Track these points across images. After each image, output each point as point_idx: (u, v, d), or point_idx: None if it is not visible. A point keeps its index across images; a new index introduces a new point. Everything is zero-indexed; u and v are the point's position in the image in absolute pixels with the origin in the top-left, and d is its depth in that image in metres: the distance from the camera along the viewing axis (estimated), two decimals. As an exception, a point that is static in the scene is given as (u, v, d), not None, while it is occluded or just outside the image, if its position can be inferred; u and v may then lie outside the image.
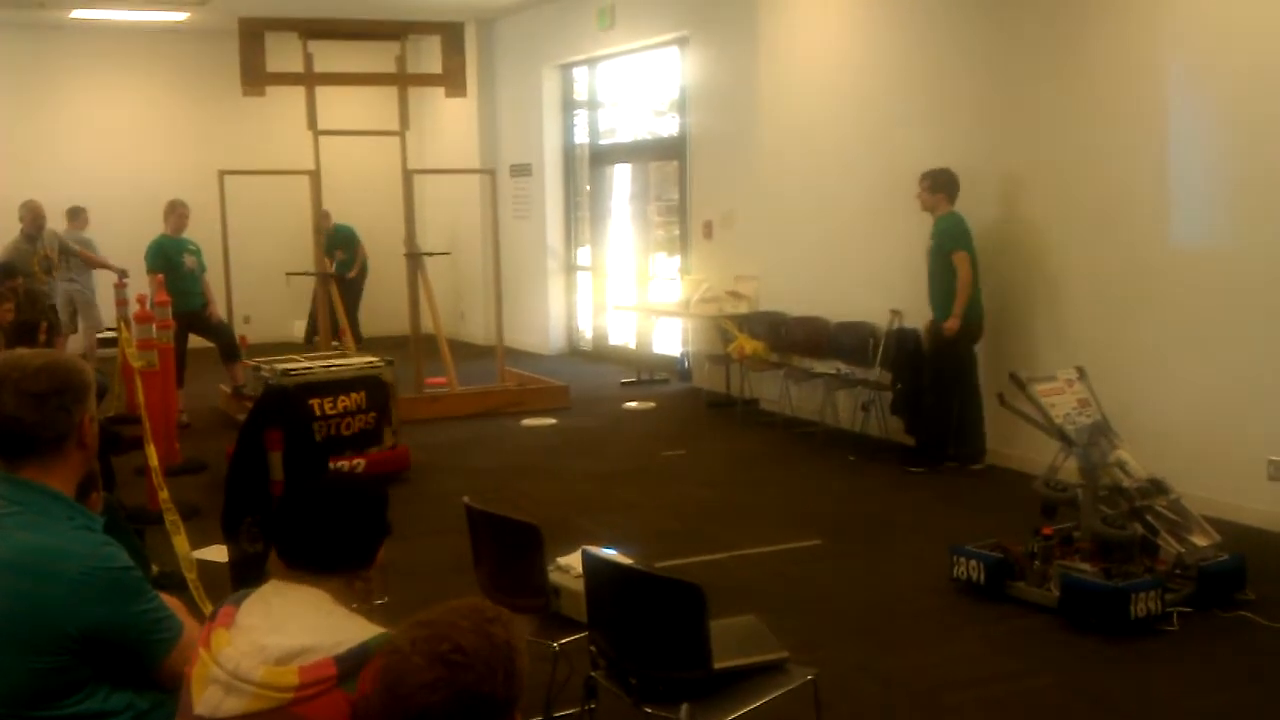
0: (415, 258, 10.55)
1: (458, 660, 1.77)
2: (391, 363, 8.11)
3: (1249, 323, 6.56)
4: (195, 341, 10.19)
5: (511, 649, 1.82)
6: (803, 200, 9.88)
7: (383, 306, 14.03)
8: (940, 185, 8.01)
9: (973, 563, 5.51)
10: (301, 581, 2.35)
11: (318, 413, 7.59)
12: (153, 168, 14.27)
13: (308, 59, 9.97)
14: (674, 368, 12.17)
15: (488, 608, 1.87)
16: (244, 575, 4.70)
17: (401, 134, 10.30)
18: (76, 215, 11.68)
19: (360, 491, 2.51)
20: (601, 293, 13.70)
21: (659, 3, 11.82)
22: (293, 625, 2.25)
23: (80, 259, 11.15)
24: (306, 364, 8.17)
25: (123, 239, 11.47)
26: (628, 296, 12.86)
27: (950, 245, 7.90)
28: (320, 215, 10.54)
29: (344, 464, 7.60)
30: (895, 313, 8.46)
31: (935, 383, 8.05)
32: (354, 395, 7.80)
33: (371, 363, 8.05)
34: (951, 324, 7.87)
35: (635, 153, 13.64)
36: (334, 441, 7.62)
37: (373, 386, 7.86)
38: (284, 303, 14.52)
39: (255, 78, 9.70)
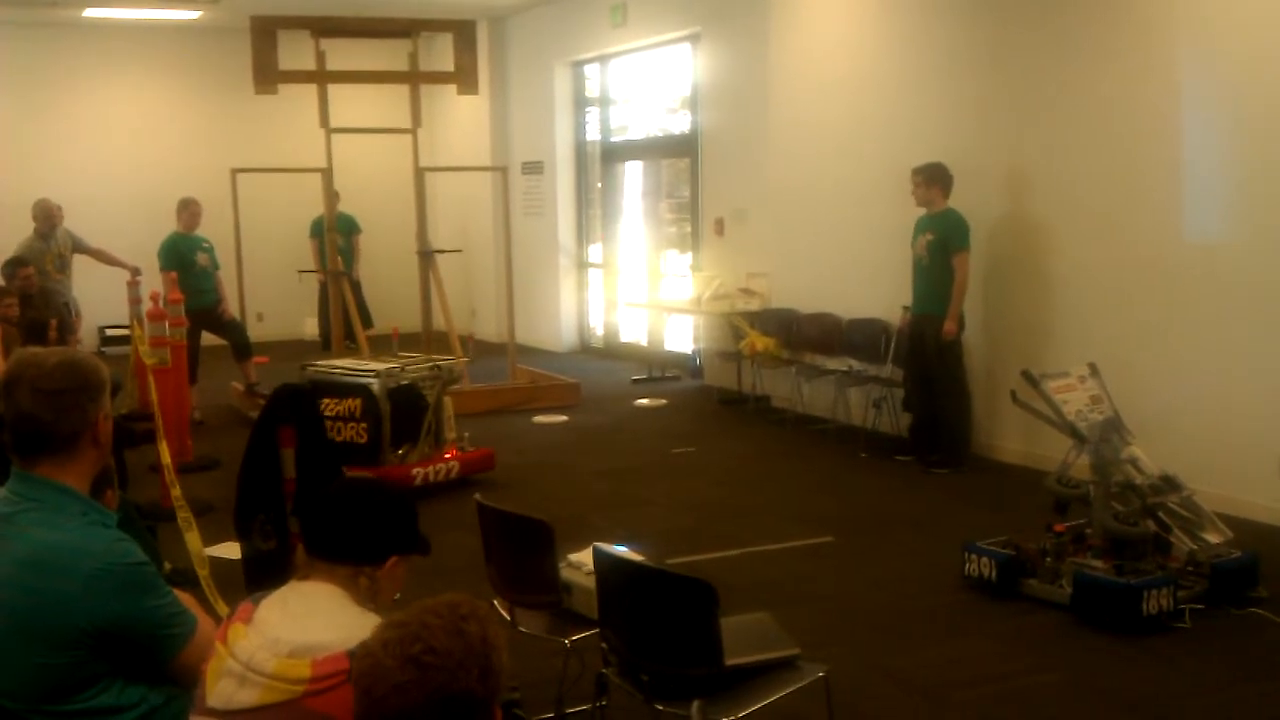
0: (427, 255, 10.57)
1: (430, 661, 1.74)
2: (394, 371, 7.56)
3: (1262, 319, 6.54)
4: (208, 339, 10.23)
5: (488, 645, 1.79)
6: (814, 197, 9.87)
7: (394, 304, 14.04)
8: (935, 179, 8.01)
9: (985, 560, 5.50)
10: (317, 570, 2.37)
11: (327, 413, 7.35)
12: (165, 166, 14.30)
13: (320, 57, 9.98)
14: (685, 365, 12.17)
15: (463, 604, 1.84)
16: (256, 572, 4.72)
17: (413, 131, 10.31)
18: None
19: (384, 492, 2.54)
20: (613, 290, 13.69)
21: (671, 0, 11.81)
22: (308, 621, 2.27)
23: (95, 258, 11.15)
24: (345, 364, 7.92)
25: (135, 237, 11.49)
26: (639, 293, 12.86)
27: (958, 244, 7.89)
28: (332, 206, 10.54)
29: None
30: (907, 309, 8.44)
31: (949, 381, 8.04)
32: (348, 401, 7.46)
33: (375, 369, 7.57)
34: (950, 326, 7.87)
35: (647, 150, 13.63)
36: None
37: (367, 396, 7.43)
38: (296, 300, 14.55)
39: (267, 76, 9.72)
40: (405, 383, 7.62)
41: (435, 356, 8.39)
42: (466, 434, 8.06)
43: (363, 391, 7.47)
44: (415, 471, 7.48)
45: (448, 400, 7.96)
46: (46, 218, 10.26)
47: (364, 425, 7.40)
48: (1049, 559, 5.40)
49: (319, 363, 8.01)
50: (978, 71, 8.24)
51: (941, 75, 8.55)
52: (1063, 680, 4.62)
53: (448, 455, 7.76)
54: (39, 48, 14.30)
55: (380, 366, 7.70)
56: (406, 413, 7.57)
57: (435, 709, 1.73)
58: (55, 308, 9.38)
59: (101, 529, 2.56)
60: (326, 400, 7.47)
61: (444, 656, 1.75)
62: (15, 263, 9.11)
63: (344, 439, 7.40)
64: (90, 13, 13.39)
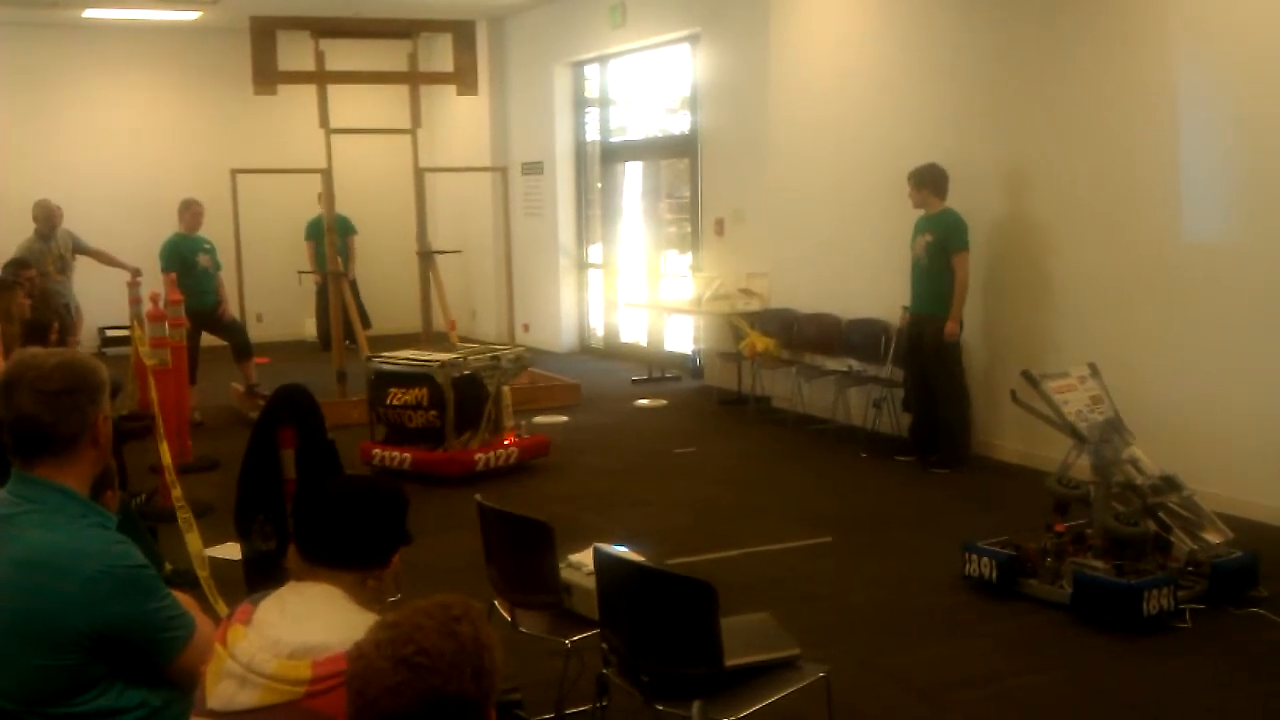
0: (427, 256, 10.57)
1: (422, 662, 1.73)
2: (457, 362, 7.97)
3: (1262, 319, 6.54)
4: (207, 340, 10.23)
5: (480, 646, 1.79)
6: (814, 197, 9.87)
7: (394, 305, 14.05)
8: (926, 181, 8.02)
9: (985, 560, 5.50)
10: (317, 577, 2.36)
11: (395, 402, 7.96)
12: (165, 166, 14.30)
13: (319, 57, 9.98)
14: (685, 365, 12.17)
15: (455, 605, 1.83)
16: (257, 573, 4.72)
17: (413, 132, 10.31)
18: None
19: (382, 493, 2.52)
20: (613, 290, 13.69)
21: (670, 0, 11.81)
22: (308, 621, 2.26)
23: (96, 258, 11.15)
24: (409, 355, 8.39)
25: (136, 237, 11.50)
26: (639, 294, 12.86)
27: (956, 244, 7.89)
28: (331, 207, 10.52)
29: (394, 454, 7.93)
30: (906, 310, 8.44)
31: (947, 382, 8.04)
32: (414, 390, 7.89)
33: (439, 360, 8.00)
34: (952, 327, 7.87)
35: (647, 150, 13.63)
36: (398, 431, 8.01)
37: (432, 385, 7.87)
38: (296, 301, 14.57)
39: (267, 76, 9.72)
40: (468, 372, 8.00)
41: (494, 346, 8.95)
42: (524, 422, 8.54)
43: (428, 381, 7.87)
44: (477, 457, 7.88)
45: (506, 389, 8.32)
46: (47, 218, 10.26)
47: (434, 413, 7.85)
48: (1049, 559, 5.40)
49: (385, 354, 8.50)
50: (977, 72, 8.24)
51: (941, 76, 8.55)
52: (1062, 680, 4.62)
53: (507, 441, 8.14)
54: (39, 48, 14.30)
55: (444, 357, 8.08)
56: (469, 401, 7.99)
57: (428, 710, 1.72)
58: (55, 309, 9.37)
59: (100, 531, 2.56)
60: (393, 390, 8.00)
61: (436, 658, 1.74)
62: (16, 264, 9.11)
63: (415, 426, 7.91)
64: (90, 13, 13.39)
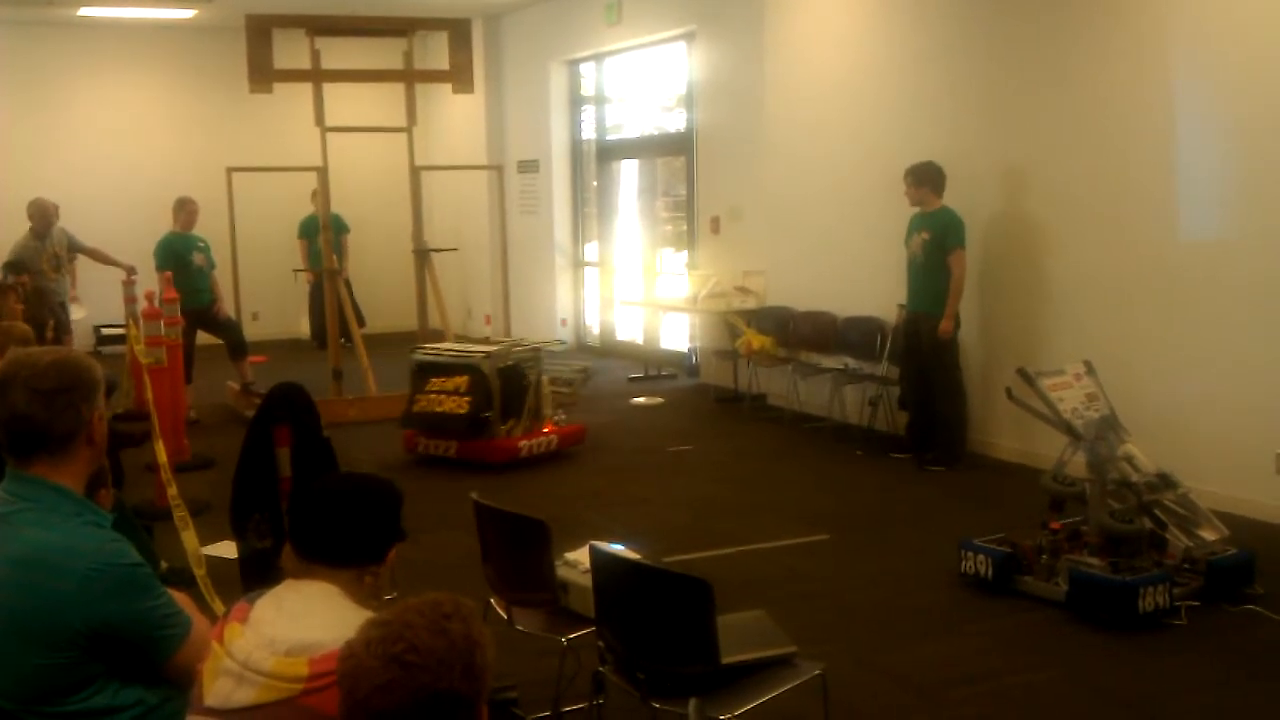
0: (423, 254, 10.56)
1: (412, 660, 1.73)
2: (497, 352, 8.27)
3: (1257, 317, 6.55)
4: (203, 338, 10.22)
5: (472, 643, 1.79)
6: (810, 195, 9.87)
7: (390, 303, 14.03)
8: (924, 179, 8.02)
9: (981, 557, 5.51)
10: (314, 575, 2.36)
11: (432, 388, 8.27)
12: (161, 165, 14.25)
13: (315, 55, 9.97)
14: (682, 363, 12.17)
15: (445, 603, 1.83)
16: (252, 571, 4.71)
17: (409, 130, 10.31)
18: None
19: (376, 489, 2.51)
20: (609, 288, 13.69)
21: (666, -2, 11.82)
22: (304, 619, 2.26)
23: (90, 257, 11.13)
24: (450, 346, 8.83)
25: (131, 236, 11.47)
26: (635, 292, 12.86)
27: (954, 241, 7.89)
28: (327, 205, 10.50)
29: (438, 443, 8.27)
30: (903, 307, 8.44)
31: (943, 379, 8.04)
32: (455, 379, 8.20)
33: (484, 351, 8.34)
34: (946, 325, 7.87)
35: (643, 148, 13.63)
36: (423, 418, 8.26)
37: (475, 374, 8.15)
38: (291, 299, 14.54)
39: (263, 74, 9.71)
40: (511, 363, 8.35)
41: (533, 341, 9.22)
42: (561, 411, 8.82)
43: (471, 370, 8.22)
44: (521, 444, 8.23)
45: (544, 380, 8.59)
46: (43, 217, 10.23)
47: (467, 399, 8.13)
48: (1045, 556, 5.41)
49: (428, 345, 8.86)
50: (974, 70, 8.24)
51: (937, 74, 8.55)
52: (1058, 677, 4.62)
53: (546, 430, 8.49)
54: (34, 47, 14.25)
55: (489, 348, 8.48)
56: (512, 390, 8.33)
57: (419, 708, 1.73)
58: (51, 308, 9.36)
59: (95, 529, 2.56)
60: (433, 379, 8.33)
61: (426, 655, 1.74)
62: (10, 267, 9.09)
63: (443, 410, 8.19)
64: (85, 11, 13.36)
